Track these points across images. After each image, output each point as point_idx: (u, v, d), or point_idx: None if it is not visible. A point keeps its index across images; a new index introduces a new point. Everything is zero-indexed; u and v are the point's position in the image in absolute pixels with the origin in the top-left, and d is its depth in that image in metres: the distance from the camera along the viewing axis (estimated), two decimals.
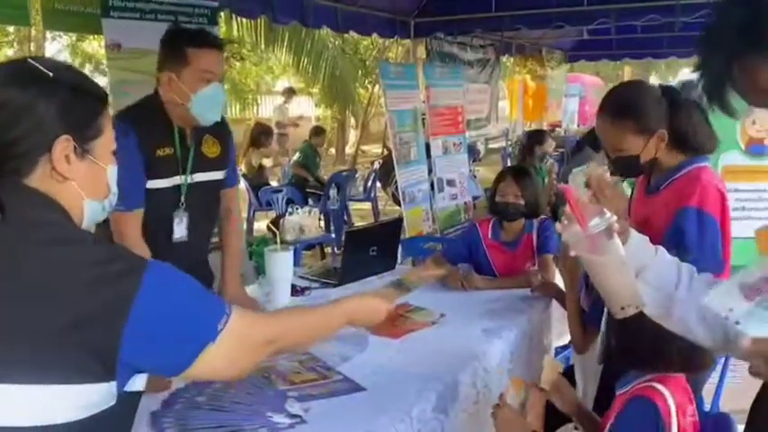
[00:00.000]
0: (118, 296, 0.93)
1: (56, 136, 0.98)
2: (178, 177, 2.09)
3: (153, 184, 2.04)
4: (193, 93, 1.97)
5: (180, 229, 2.16)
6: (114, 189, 1.11)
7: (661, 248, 1.34)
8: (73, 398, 0.92)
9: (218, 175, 2.22)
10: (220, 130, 2.20)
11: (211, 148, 2.18)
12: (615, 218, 1.24)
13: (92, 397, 0.94)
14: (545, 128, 11.12)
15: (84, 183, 1.03)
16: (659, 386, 1.44)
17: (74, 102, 1.01)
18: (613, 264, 1.20)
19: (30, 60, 1.02)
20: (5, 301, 0.92)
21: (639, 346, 1.46)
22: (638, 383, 1.48)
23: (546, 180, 5.35)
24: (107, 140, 1.07)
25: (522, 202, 2.73)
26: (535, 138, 5.93)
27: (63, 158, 0.99)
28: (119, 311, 0.93)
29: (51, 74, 0.99)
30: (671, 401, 1.41)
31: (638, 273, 1.26)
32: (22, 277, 0.93)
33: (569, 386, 1.76)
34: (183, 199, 2.12)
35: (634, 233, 1.32)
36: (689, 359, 1.43)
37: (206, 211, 2.23)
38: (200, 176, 2.15)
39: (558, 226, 1.29)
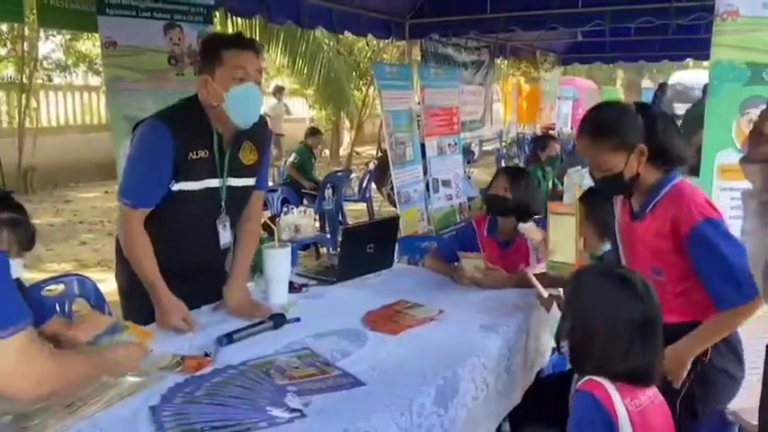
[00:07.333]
0: None
1: None
2: (211, 180, 2.09)
3: (182, 186, 2.04)
4: (226, 91, 1.97)
5: (225, 235, 2.20)
6: None
7: None
8: None
9: (250, 181, 2.23)
10: (260, 136, 2.20)
11: (248, 156, 2.18)
12: None
13: None
14: (539, 130, 11.16)
15: None
16: (598, 377, 1.49)
17: None
18: None
19: None
20: None
21: (571, 342, 1.56)
22: (586, 377, 1.53)
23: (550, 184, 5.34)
24: None
25: (509, 196, 2.75)
26: (538, 143, 5.82)
27: None
28: None
29: None
30: (611, 389, 1.46)
31: None
32: None
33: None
34: (223, 204, 2.14)
35: None
36: (605, 365, 1.49)
37: (238, 216, 2.25)
38: (234, 181, 2.15)
39: None
